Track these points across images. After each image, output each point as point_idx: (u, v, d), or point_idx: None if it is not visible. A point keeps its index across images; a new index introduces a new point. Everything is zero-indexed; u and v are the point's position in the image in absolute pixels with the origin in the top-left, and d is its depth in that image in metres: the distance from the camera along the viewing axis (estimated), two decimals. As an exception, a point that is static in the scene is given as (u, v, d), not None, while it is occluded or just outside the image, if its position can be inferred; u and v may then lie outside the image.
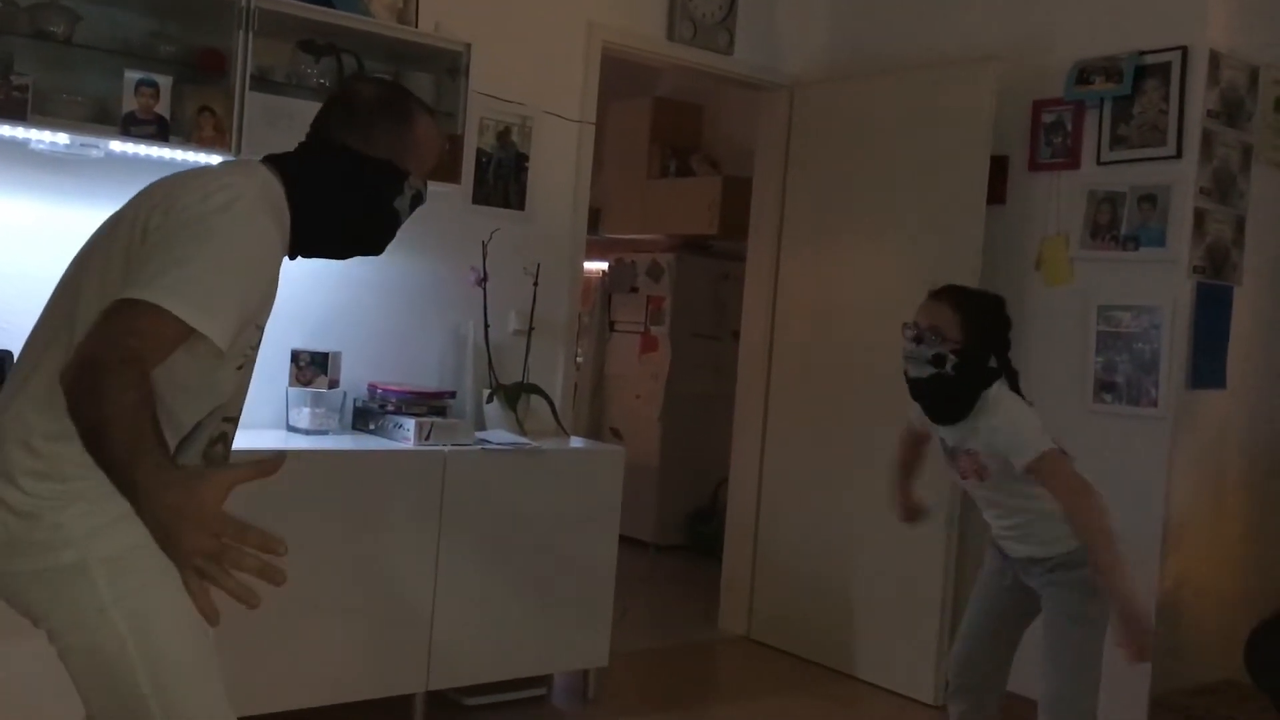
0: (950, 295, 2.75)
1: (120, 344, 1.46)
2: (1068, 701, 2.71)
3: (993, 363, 2.75)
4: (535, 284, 4.05)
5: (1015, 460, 2.64)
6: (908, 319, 2.75)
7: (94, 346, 1.47)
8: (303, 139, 1.91)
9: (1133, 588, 2.54)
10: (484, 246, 3.89)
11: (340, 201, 1.87)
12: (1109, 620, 2.63)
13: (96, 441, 1.42)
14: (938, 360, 2.67)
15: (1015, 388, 2.80)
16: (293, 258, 1.88)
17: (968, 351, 2.68)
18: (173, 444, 1.69)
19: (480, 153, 3.98)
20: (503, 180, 4.07)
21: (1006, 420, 2.66)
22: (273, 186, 1.78)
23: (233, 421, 1.91)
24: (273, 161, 1.85)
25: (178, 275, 1.54)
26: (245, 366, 1.83)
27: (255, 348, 1.83)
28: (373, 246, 1.98)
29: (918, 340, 2.69)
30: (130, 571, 1.64)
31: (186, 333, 1.53)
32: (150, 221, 1.65)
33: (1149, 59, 3.80)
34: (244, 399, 1.93)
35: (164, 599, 1.62)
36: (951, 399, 2.71)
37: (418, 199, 1.95)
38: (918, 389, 2.75)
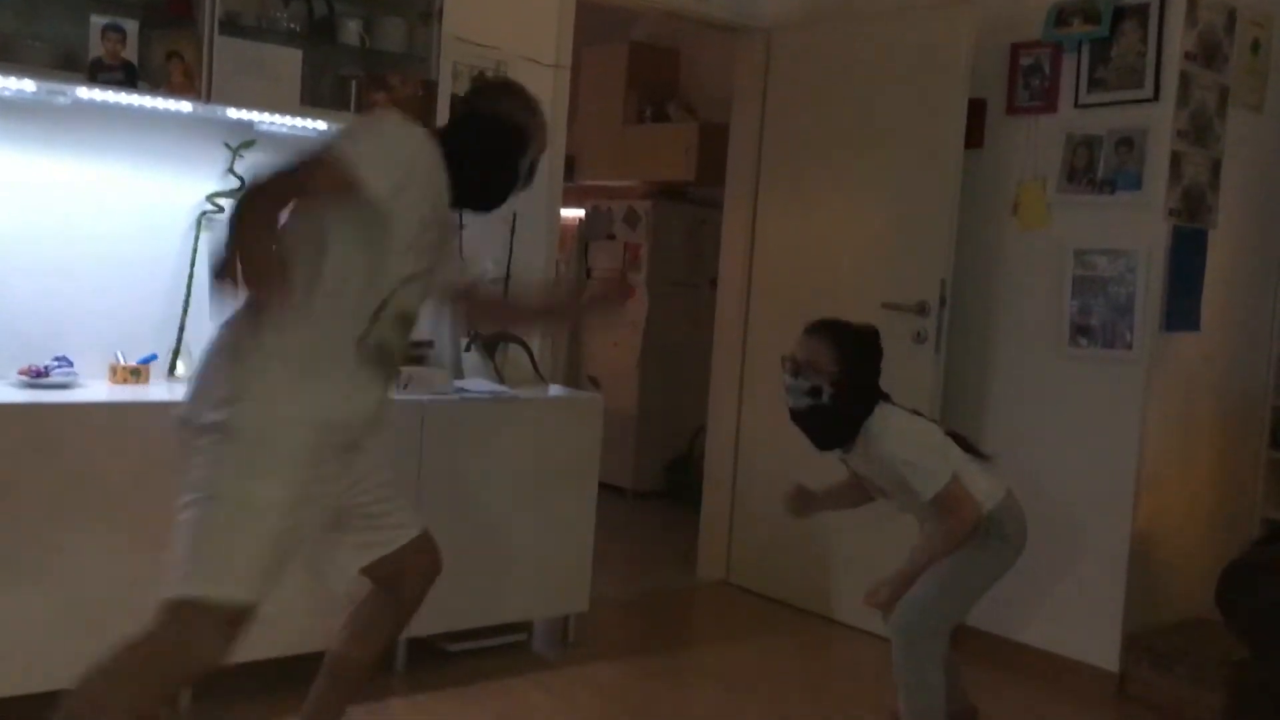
0: (825, 331, 2.91)
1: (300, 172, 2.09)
2: (926, 607, 2.91)
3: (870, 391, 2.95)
4: (512, 232, 4.02)
5: (921, 492, 2.83)
6: (787, 351, 2.94)
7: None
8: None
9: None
10: (460, 194, 3.86)
11: (481, 151, 2.35)
12: (994, 568, 2.95)
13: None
14: (814, 392, 2.85)
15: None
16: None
17: (843, 381, 2.85)
18: (356, 326, 2.18)
19: (454, 98, 3.93)
20: (478, 126, 4.02)
21: (905, 454, 2.84)
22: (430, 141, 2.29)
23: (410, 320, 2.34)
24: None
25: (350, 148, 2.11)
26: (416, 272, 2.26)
27: (425, 259, 2.27)
28: (496, 196, 2.43)
29: (795, 374, 2.88)
30: None
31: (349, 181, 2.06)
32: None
33: (1127, 0, 3.79)
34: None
35: None
36: (830, 427, 2.92)
37: (532, 169, 2.45)
38: (797, 419, 2.94)
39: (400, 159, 2.15)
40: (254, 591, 2.07)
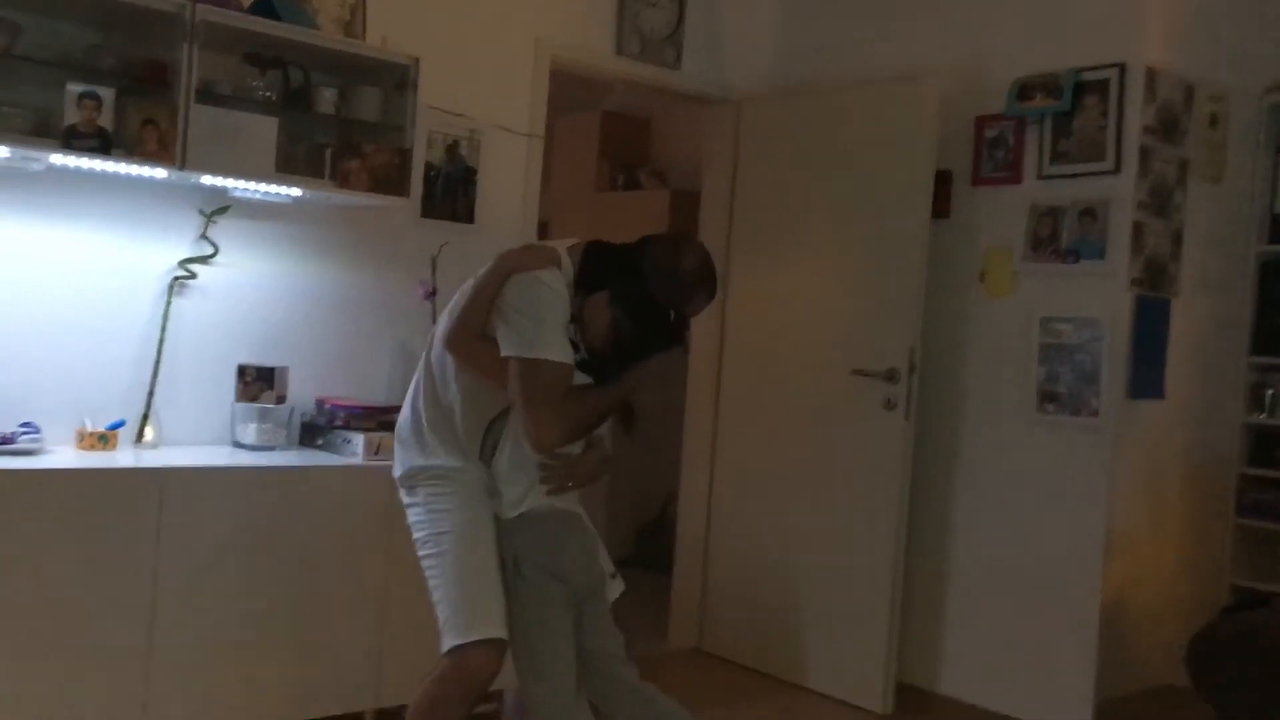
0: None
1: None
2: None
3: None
4: (484, 298, 4.03)
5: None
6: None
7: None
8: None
9: None
10: (433, 260, 3.88)
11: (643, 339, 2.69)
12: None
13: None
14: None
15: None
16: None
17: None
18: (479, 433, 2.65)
19: (429, 166, 3.97)
20: (451, 194, 4.05)
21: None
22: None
23: None
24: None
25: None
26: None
27: None
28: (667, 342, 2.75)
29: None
30: None
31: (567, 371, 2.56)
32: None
33: (1088, 76, 3.88)
34: None
35: None
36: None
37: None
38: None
39: (563, 328, 2.52)
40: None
